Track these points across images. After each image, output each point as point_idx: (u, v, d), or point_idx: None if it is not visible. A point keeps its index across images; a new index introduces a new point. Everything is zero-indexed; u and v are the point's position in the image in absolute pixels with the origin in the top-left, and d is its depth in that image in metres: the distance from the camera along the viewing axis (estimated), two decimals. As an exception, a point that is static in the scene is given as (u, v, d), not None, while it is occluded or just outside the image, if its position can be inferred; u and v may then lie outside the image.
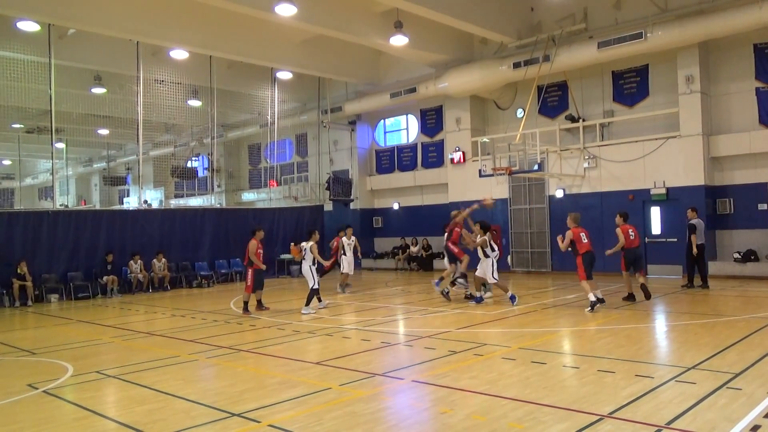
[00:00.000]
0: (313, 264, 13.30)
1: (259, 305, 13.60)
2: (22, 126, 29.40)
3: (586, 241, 12.19)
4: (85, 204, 40.55)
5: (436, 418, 5.73)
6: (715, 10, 16.63)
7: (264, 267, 13.49)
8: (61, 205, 26.37)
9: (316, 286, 13.19)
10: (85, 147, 35.40)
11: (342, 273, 17.37)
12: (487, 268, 13.05)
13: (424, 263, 23.99)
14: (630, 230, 12.83)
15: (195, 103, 24.17)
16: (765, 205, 17.30)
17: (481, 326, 10.85)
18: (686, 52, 17.73)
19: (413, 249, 24.52)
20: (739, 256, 17.23)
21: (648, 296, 12.75)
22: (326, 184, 26.28)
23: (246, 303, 13.36)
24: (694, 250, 14.61)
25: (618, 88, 19.88)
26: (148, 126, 22.96)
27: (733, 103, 17.93)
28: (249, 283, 13.16)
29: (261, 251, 13.35)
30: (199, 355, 9.07)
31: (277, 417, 5.83)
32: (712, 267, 17.31)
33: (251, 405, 6.23)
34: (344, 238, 17.26)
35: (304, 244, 13.48)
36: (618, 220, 13.17)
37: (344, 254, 17.19)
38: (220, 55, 21.21)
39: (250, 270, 13.16)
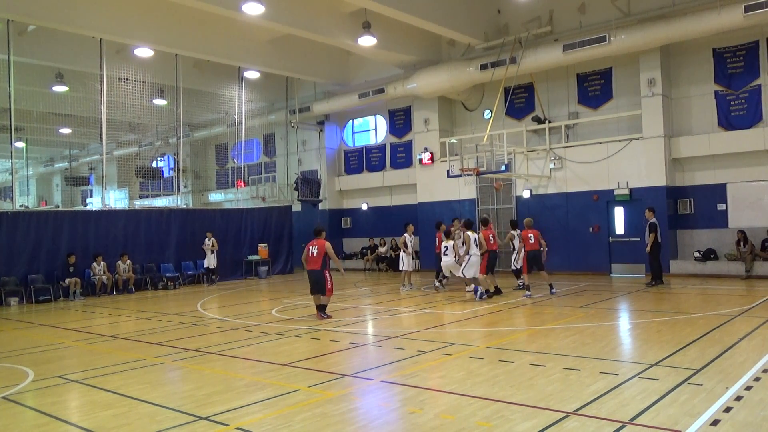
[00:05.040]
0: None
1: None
2: (-21, 125, 28.58)
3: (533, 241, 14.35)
4: (45, 204, 39.53)
5: (405, 417, 5.75)
6: (676, 15, 17.08)
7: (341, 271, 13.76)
8: (21, 206, 25.61)
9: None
10: (47, 146, 34.63)
11: (402, 270, 16.83)
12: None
13: (393, 263, 24.01)
14: (490, 235, 14.38)
15: (160, 102, 23.79)
16: (724, 206, 17.80)
17: (450, 326, 10.94)
18: (648, 56, 18.14)
19: (382, 249, 24.54)
20: (699, 255, 17.69)
21: (499, 292, 14.52)
22: (294, 185, 26.15)
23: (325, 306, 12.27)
24: (648, 248, 15.57)
25: (582, 91, 20.22)
26: (112, 125, 22.54)
27: (693, 106, 18.39)
28: (330, 286, 12.08)
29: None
30: (165, 358, 8.93)
31: (246, 420, 5.78)
32: (674, 266, 17.85)
33: (219, 408, 6.16)
34: (406, 234, 16.81)
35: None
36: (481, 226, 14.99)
37: (405, 251, 16.71)
38: (186, 53, 20.92)
39: (326, 272, 12.07)
